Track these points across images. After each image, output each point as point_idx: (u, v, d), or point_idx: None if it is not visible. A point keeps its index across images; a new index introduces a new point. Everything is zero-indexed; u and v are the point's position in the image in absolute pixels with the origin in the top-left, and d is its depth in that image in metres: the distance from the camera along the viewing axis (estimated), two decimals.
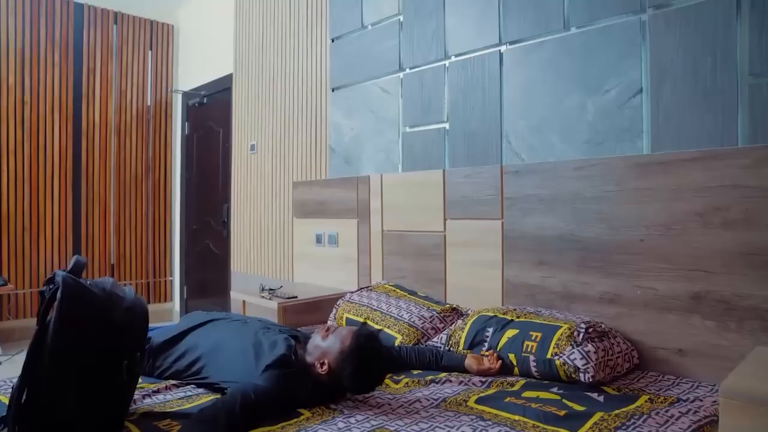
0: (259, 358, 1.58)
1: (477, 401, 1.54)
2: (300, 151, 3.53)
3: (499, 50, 2.37)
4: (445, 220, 2.52)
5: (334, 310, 2.52)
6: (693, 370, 1.74)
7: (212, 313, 1.94)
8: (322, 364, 1.53)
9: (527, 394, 1.58)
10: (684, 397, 1.54)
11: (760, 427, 1.11)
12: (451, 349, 1.99)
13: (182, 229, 5.01)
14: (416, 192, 2.64)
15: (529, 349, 1.77)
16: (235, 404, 1.34)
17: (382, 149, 2.92)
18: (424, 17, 2.68)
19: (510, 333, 1.86)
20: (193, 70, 4.91)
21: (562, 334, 1.74)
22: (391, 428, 1.36)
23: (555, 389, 1.62)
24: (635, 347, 1.85)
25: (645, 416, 1.39)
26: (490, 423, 1.37)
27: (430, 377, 1.79)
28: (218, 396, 1.56)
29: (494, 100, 2.38)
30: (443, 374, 1.81)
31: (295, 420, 1.40)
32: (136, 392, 1.51)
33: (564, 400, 1.50)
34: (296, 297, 2.76)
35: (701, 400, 1.51)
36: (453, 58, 2.57)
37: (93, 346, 1.25)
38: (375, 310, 2.35)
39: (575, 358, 1.66)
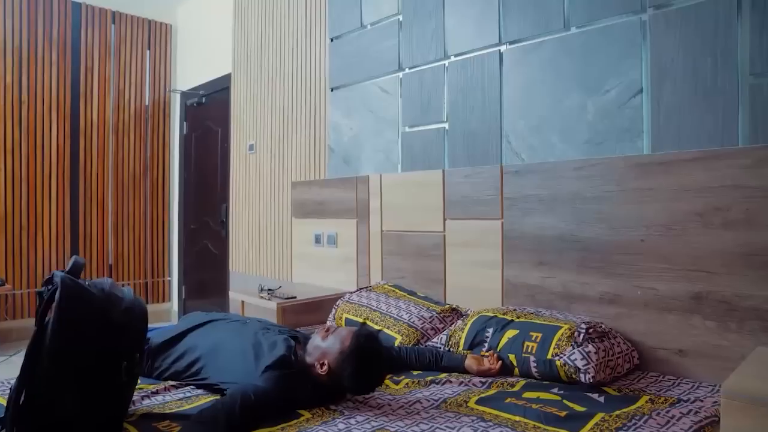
0: (258, 358, 1.58)
1: (477, 402, 1.53)
2: (299, 151, 3.52)
3: (499, 50, 2.37)
4: (444, 220, 2.51)
5: (334, 311, 2.52)
6: (693, 370, 1.74)
7: (211, 314, 1.94)
8: (322, 364, 1.52)
9: (528, 394, 1.58)
10: (685, 398, 1.54)
11: (761, 428, 1.11)
12: (451, 349, 1.98)
13: (180, 229, 5.00)
14: (416, 192, 2.64)
15: (529, 350, 1.77)
16: (234, 405, 1.34)
17: (382, 149, 2.91)
18: (424, 17, 2.68)
19: (510, 333, 1.86)
20: (191, 70, 4.90)
21: (562, 335, 1.74)
22: (392, 429, 1.35)
23: (555, 390, 1.62)
24: (635, 347, 1.85)
25: (646, 417, 1.38)
26: (490, 424, 1.36)
27: (430, 378, 1.78)
28: (218, 397, 1.55)
29: (494, 100, 2.38)
30: (443, 375, 1.81)
31: (295, 421, 1.40)
32: (135, 393, 1.50)
33: (565, 401, 1.50)
34: (295, 297, 2.75)
35: (702, 401, 1.51)
36: (452, 58, 2.56)
37: (92, 346, 1.24)
38: (374, 310, 2.35)
39: (576, 359, 1.66)
